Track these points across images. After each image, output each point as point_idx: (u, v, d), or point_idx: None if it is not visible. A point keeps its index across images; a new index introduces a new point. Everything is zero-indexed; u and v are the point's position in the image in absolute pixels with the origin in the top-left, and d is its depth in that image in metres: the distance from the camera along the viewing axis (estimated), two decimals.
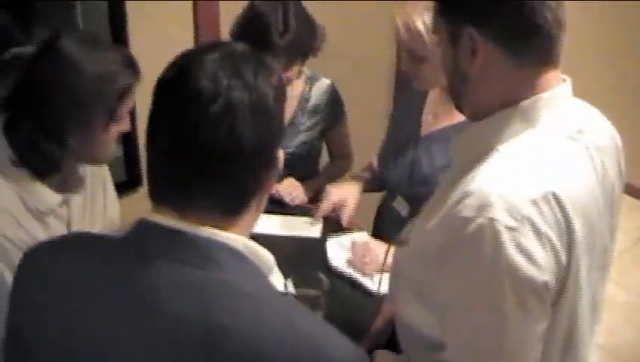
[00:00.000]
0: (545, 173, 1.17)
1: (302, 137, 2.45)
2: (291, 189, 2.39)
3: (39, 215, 1.56)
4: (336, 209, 2.25)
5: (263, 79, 1.02)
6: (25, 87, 1.53)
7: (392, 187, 2.20)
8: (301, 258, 2.10)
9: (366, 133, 2.74)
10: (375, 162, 2.37)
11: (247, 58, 1.04)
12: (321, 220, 2.26)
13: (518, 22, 1.17)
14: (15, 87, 1.55)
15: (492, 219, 1.11)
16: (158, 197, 1.03)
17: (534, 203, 1.13)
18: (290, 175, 2.44)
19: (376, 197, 2.43)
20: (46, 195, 1.58)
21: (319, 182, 2.53)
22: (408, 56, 1.96)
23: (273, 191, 2.33)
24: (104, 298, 1.00)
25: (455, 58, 1.24)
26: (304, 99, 2.43)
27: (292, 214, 2.32)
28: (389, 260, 1.72)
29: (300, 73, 2.32)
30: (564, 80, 1.26)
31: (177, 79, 1.02)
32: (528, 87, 1.21)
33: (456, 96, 1.31)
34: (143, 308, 0.97)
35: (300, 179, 2.47)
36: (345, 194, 2.27)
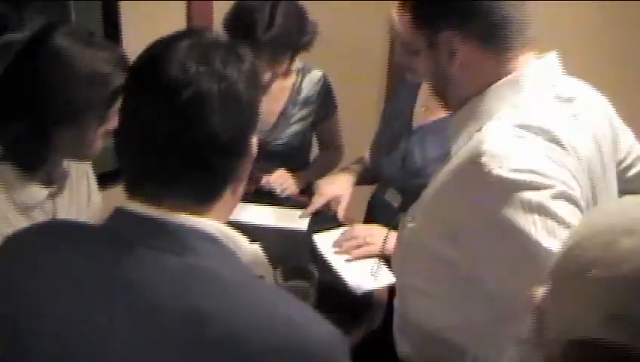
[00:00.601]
0: (538, 119, 1.23)
1: (293, 128, 2.45)
2: (282, 180, 2.39)
3: (25, 209, 1.55)
4: (330, 204, 2.25)
5: (232, 67, 1.02)
6: (14, 80, 1.51)
7: (384, 179, 2.20)
8: (289, 250, 2.10)
9: (357, 125, 2.74)
10: (367, 155, 2.37)
11: (216, 46, 1.03)
12: (306, 215, 2.26)
13: (493, 18, 1.24)
14: (4, 78, 1.52)
15: (485, 151, 1.17)
16: (132, 186, 1.03)
17: (524, 127, 1.20)
18: (281, 166, 2.44)
19: (366, 190, 2.43)
20: (32, 190, 1.57)
21: (310, 173, 2.54)
22: (403, 48, 1.96)
23: (264, 181, 2.34)
24: (89, 287, 1.00)
25: (435, 62, 1.30)
26: (295, 90, 2.44)
27: (282, 205, 2.32)
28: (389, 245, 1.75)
29: (289, 68, 2.32)
30: (543, 56, 1.32)
31: (146, 67, 1.02)
32: (505, 71, 1.28)
33: (442, 97, 1.38)
34: (125, 296, 0.97)
35: (291, 170, 2.47)
36: (338, 189, 2.28)
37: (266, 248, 2.01)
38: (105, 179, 1.89)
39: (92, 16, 2.14)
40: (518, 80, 1.28)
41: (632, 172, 1.51)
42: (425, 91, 2.13)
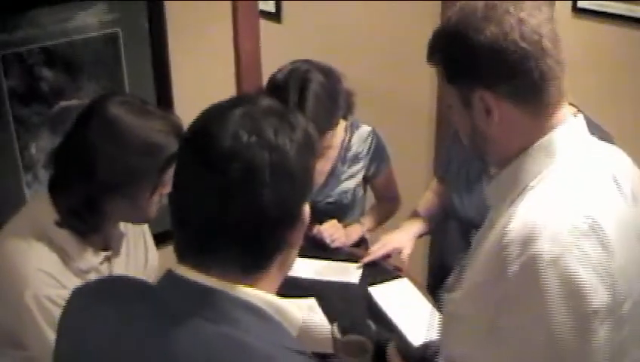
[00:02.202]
0: (578, 200, 1.18)
1: (343, 186, 2.43)
2: (333, 230, 2.36)
3: (80, 273, 1.57)
4: (391, 255, 2.24)
5: (284, 136, 1.00)
6: (71, 148, 1.54)
7: (471, 222, 2.15)
8: (346, 303, 2.08)
9: (408, 176, 2.73)
10: (420, 206, 2.37)
11: (269, 114, 1.02)
12: (361, 267, 2.24)
13: (525, 76, 1.20)
14: (62, 146, 1.56)
15: (535, 255, 1.11)
16: (181, 252, 1.04)
17: (575, 230, 1.13)
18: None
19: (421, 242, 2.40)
20: (88, 255, 1.59)
21: (366, 224, 2.51)
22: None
23: (315, 231, 2.32)
24: (129, 348, 1.02)
25: (471, 119, 1.26)
26: (344, 148, 2.42)
27: (335, 259, 2.30)
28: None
29: (334, 133, 2.29)
30: (575, 115, 1.28)
31: (198, 138, 1.02)
32: (545, 127, 1.24)
33: (481, 155, 1.34)
34: (160, 357, 0.98)
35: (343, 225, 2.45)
36: (400, 241, 2.27)
37: (322, 303, 2.00)
38: (162, 238, 1.91)
39: (144, 82, 2.20)
40: (553, 140, 1.23)
41: None
42: None
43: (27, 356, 1.56)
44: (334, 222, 2.39)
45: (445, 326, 1.44)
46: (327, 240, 2.33)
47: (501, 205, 1.27)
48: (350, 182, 2.44)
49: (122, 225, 1.72)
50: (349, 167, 2.43)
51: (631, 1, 2.73)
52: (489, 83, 1.21)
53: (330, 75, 2.21)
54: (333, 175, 2.42)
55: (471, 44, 1.20)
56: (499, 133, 1.25)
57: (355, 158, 2.43)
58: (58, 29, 1.97)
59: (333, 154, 2.40)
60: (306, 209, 1.06)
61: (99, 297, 1.11)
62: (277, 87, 2.13)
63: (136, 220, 1.67)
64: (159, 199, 1.59)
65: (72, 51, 2.02)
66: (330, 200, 2.42)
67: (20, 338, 1.55)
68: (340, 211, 2.45)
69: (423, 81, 3.31)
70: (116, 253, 1.68)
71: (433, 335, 1.85)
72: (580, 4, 3.45)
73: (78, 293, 1.16)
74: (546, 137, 1.23)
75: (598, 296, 1.12)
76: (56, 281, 1.52)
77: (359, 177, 2.45)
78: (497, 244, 1.18)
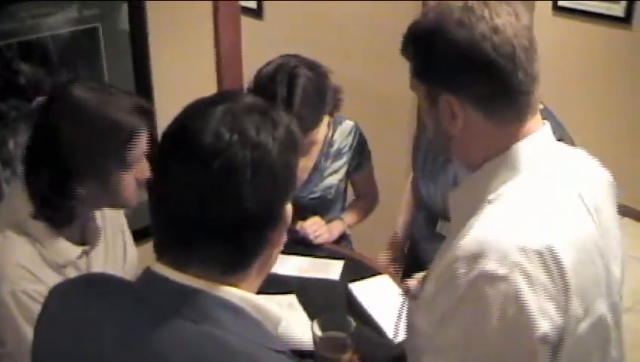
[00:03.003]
0: (533, 221, 1.15)
1: (327, 182, 2.44)
2: (316, 227, 2.37)
3: (58, 267, 1.56)
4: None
5: (266, 134, 0.99)
6: (38, 136, 1.54)
7: (437, 211, 2.17)
8: (326, 300, 2.09)
9: (388, 172, 2.74)
10: (399, 217, 2.46)
11: (251, 112, 1.01)
12: (341, 263, 2.25)
13: (493, 87, 1.16)
14: (30, 137, 1.56)
15: (481, 273, 1.10)
16: (160, 249, 1.03)
17: (524, 250, 1.10)
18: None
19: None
20: (65, 249, 1.58)
21: (345, 221, 2.51)
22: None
23: (297, 227, 2.33)
24: (108, 348, 1.01)
25: (436, 117, 1.23)
26: (327, 143, 2.42)
27: (317, 256, 2.30)
28: None
29: (319, 129, 2.28)
30: (543, 123, 1.25)
31: (179, 134, 1.01)
32: (511, 138, 1.20)
33: (444, 150, 1.30)
34: (144, 359, 0.98)
35: (327, 219, 2.46)
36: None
37: (302, 299, 2.00)
38: (142, 234, 1.90)
39: (124, 77, 2.18)
40: (518, 154, 1.20)
41: None
42: None
43: (5, 352, 1.55)
44: (317, 218, 2.40)
45: (407, 336, 1.43)
46: (311, 237, 2.33)
47: (461, 215, 1.25)
48: (334, 177, 2.45)
49: (99, 220, 1.70)
50: (333, 162, 2.44)
51: (609, 0, 2.76)
52: (455, 88, 1.18)
53: (317, 71, 2.20)
54: (317, 171, 2.42)
55: (442, 47, 1.17)
56: (462, 137, 1.22)
57: (338, 154, 2.44)
58: (37, 23, 1.95)
59: (316, 150, 2.40)
60: (288, 208, 1.05)
61: (78, 295, 1.10)
62: (264, 82, 2.13)
63: (112, 204, 1.65)
64: (135, 185, 1.57)
65: (50, 46, 2.00)
66: (314, 195, 2.42)
67: None
68: (324, 206, 2.46)
69: (404, 79, 3.32)
70: (93, 246, 1.67)
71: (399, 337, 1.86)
72: (560, 3, 3.49)
73: (56, 292, 1.15)
74: (510, 150, 1.20)
75: (546, 318, 1.10)
76: (34, 276, 1.51)
77: (342, 172, 2.46)
78: (449, 258, 1.16)
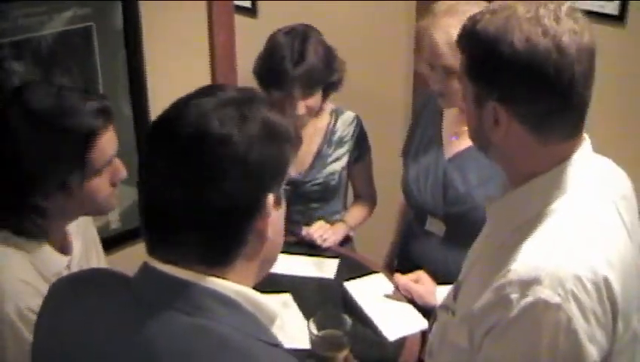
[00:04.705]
0: (586, 246, 1.14)
1: (329, 168, 2.48)
2: (322, 231, 2.38)
3: (48, 278, 1.49)
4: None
5: (247, 127, 1.00)
6: None
7: (426, 209, 2.17)
8: (321, 299, 2.09)
9: (383, 170, 2.74)
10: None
11: (226, 105, 1.01)
12: (336, 262, 2.26)
13: (546, 107, 1.14)
14: None
15: (536, 300, 1.09)
16: (149, 245, 1.04)
17: (579, 280, 1.10)
18: (317, 207, 2.48)
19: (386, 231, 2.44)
20: (55, 258, 1.54)
21: (348, 221, 2.53)
22: (443, 72, 1.94)
23: (304, 233, 2.34)
24: (104, 341, 1.02)
25: (478, 118, 1.21)
26: (330, 131, 2.48)
27: (306, 254, 2.30)
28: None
29: (322, 107, 2.43)
30: (584, 138, 1.24)
31: (158, 128, 1.04)
32: (559, 155, 1.19)
33: (481, 148, 1.28)
34: (133, 350, 0.98)
35: (329, 209, 2.51)
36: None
37: (297, 298, 2.00)
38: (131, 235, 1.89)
39: (118, 76, 2.18)
40: (564, 173, 1.19)
41: None
42: (451, 121, 2.13)
43: None
44: (321, 223, 2.42)
45: (441, 354, 1.41)
46: (319, 242, 2.35)
47: (503, 227, 1.24)
48: (337, 164, 2.49)
49: (71, 237, 1.64)
50: (335, 149, 2.49)
51: None
52: (506, 99, 1.16)
53: (326, 42, 2.39)
54: (320, 157, 2.47)
55: (502, 58, 1.13)
56: (504, 146, 1.21)
57: (340, 142, 2.49)
58: (30, 23, 1.94)
59: (318, 136, 2.47)
60: (270, 201, 1.03)
61: (77, 291, 1.12)
62: (279, 38, 2.31)
63: (88, 212, 1.60)
64: (109, 188, 1.53)
65: (44, 45, 1.99)
66: (318, 181, 2.46)
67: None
68: (327, 193, 2.50)
69: (398, 79, 3.32)
70: (69, 254, 1.62)
71: (409, 330, 1.86)
72: None
73: (55, 290, 1.16)
74: (557, 168, 1.19)
75: (596, 344, 1.11)
76: (35, 289, 1.46)
77: (344, 160, 2.50)
78: (498, 281, 1.15)
